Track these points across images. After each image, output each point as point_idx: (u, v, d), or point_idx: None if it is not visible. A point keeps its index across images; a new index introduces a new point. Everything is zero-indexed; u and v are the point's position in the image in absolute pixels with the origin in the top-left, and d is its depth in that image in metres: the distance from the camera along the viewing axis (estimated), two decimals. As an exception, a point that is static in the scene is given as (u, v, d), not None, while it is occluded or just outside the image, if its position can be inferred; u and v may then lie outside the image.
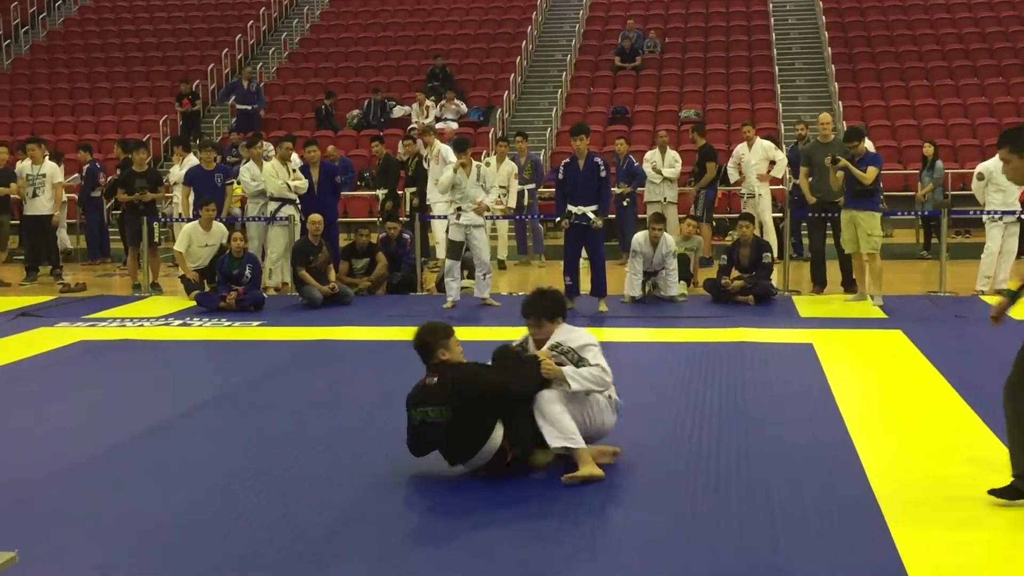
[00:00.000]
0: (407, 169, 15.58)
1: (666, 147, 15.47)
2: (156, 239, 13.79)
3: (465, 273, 11.93)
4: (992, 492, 4.91)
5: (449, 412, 5.37)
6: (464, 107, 22.09)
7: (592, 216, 10.75)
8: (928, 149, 15.92)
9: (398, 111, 22.21)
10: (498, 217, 14.09)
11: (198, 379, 8.61)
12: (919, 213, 15.79)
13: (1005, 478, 4.92)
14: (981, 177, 11.84)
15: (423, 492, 5.42)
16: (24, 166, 14.48)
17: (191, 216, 12.75)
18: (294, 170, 12.77)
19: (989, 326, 5.19)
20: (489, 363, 5.63)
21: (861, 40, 23.75)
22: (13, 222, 15.11)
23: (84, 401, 7.57)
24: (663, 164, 15.25)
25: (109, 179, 16.25)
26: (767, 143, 15.11)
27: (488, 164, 13.69)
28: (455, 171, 11.31)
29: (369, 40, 25.69)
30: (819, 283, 12.14)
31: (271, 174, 12.75)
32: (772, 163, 14.83)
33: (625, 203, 14.89)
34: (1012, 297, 5.05)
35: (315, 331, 10.01)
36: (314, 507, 5.07)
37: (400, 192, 15.58)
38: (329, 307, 11.29)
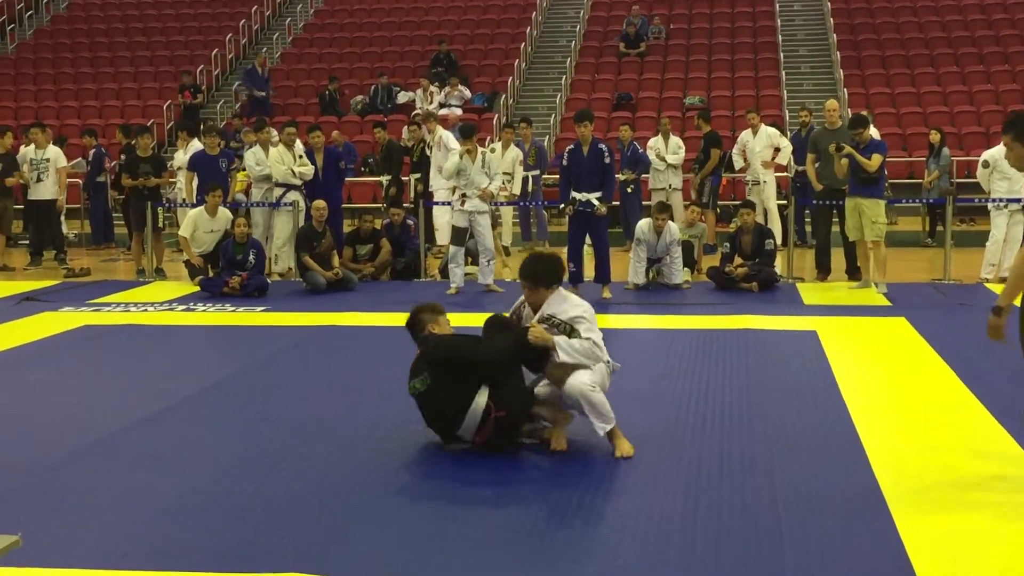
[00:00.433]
0: (412, 155, 15.58)
1: (669, 134, 15.44)
2: (160, 224, 13.79)
3: (469, 260, 11.94)
4: None
5: (429, 379, 5.53)
6: (468, 93, 22.04)
7: (596, 203, 10.73)
8: (934, 136, 15.88)
9: (402, 97, 22.17)
10: (502, 203, 14.08)
11: (202, 364, 8.64)
12: (924, 201, 15.77)
13: (1007, 464, 4.91)
14: (986, 165, 11.83)
15: (427, 476, 5.45)
16: (28, 151, 14.48)
17: (195, 201, 12.75)
18: (300, 156, 12.77)
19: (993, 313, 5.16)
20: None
21: (866, 27, 23.65)
22: (17, 207, 15.12)
23: (88, 386, 7.58)
24: (666, 151, 15.22)
25: (113, 164, 16.24)
26: (772, 130, 15.09)
27: (492, 151, 13.66)
28: (460, 157, 11.31)
29: (373, 26, 25.64)
30: (823, 270, 12.14)
31: (276, 160, 12.74)
32: (777, 150, 14.82)
33: (629, 189, 14.84)
34: (998, 312, 4.98)
35: (319, 317, 10.01)
36: (319, 491, 5.09)
37: (405, 178, 15.57)
38: (333, 293, 11.30)
